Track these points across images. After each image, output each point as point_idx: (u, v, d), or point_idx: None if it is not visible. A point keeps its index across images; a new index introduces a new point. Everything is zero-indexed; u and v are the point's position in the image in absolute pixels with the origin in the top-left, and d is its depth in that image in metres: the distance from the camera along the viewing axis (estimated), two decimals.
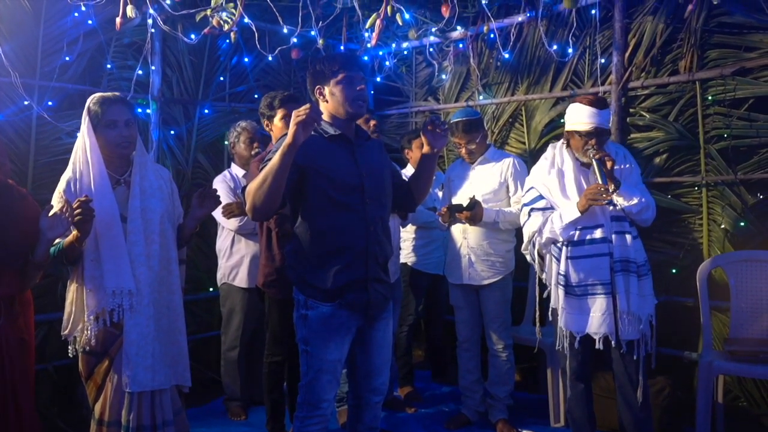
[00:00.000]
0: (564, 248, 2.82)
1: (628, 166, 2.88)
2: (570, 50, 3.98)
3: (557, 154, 2.94)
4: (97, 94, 2.44)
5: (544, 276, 3.00)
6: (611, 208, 2.76)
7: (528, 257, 3.08)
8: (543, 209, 2.91)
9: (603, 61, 3.88)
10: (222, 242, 3.65)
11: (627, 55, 3.76)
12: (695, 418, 3.06)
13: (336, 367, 2.29)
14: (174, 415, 2.48)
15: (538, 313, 3.12)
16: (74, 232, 2.27)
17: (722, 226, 3.49)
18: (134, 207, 2.38)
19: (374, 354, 2.39)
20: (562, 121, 4.11)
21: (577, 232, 2.79)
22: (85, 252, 2.33)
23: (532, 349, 3.72)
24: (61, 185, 2.39)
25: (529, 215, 2.96)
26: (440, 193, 3.96)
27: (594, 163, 2.72)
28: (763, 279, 3.21)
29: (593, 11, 3.83)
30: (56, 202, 2.37)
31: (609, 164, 2.69)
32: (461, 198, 3.39)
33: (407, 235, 4.04)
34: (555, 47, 3.98)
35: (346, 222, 2.25)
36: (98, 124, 2.37)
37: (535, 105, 4.27)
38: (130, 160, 2.48)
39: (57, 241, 2.33)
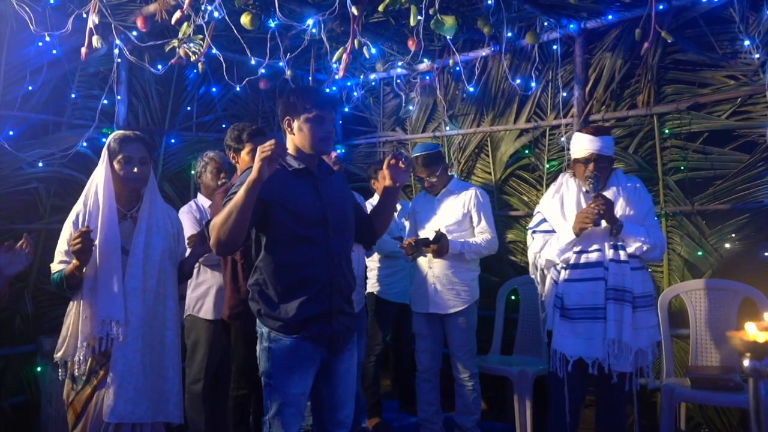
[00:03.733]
0: (562, 271, 2.86)
1: (637, 198, 2.87)
2: (533, 84, 4.09)
3: (564, 182, 3.00)
4: (119, 132, 2.59)
5: (544, 297, 3.02)
6: (602, 226, 2.75)
7: (534, 280, 3.10)
8: (544, 232, 2.96)
9: (565, 94, 3.99)
10: None
11: (588, 89, 3.88)
12: None
13: (300, 400, 2.27)
14: None
15: (543, 334, 3.11)
16: (74, 261, 2.31)
17: (681, 255, 3.59)
18: (138, 242, 2.46)
19: (338, 386, 2.37)
20: (526, 152, 4.22)
21: (574, 255, 2.82)
22: (84, 281, 2.39)
23: (500, 378, 3.74)
24: (71, 217, 2.47)
25: (533, 238, 3.00)
26: (406, 222, 3.99)
27: (592, 187, 2.78)
28: (720, 307, 3.30)
29: (555, 47, 3.95)
30: (65, 232, 2.45)
31: (601, 209, 2.70)
32: (428, 229, 3.43)
33: (373, 264, 4.05)
34: (518, 81, 4.08)
35: (310, 255, 2.25)
36: (115, 159, 2.47)
37: (500, 136, 4.35)
38: (140, 195, 2.56)
39: (60, 268, 2.40)
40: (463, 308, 3.40)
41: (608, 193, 2.84)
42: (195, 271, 3.53)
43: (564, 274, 2.84)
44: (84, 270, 2.36)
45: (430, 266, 3.45)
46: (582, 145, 2.86)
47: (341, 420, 2.39)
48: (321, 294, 2.25)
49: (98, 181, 2.47)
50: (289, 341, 2.23)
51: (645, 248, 2.76)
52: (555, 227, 2.92)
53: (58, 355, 2.42)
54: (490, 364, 3.77)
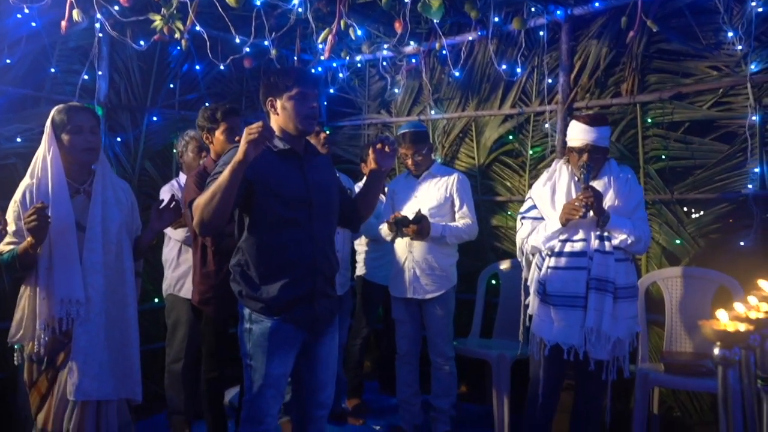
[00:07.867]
0: (547, 258, 2.87)
1: (627, 190, 2.85)
2: (518, 70, 4.09)
3: (558, 168, 2.98)
4: (62, 105, 2.46)
5: (528, 282, 3.03)
6: (589, 218, 2.75)
7: (520, 264, 3.11)
8: (533, 218, 2.96)
9: (550, 81, 4.00)
10: (168, 252, 3.58)
11: (572, 76, 3.90)
12: (631, 428, 3.17)
13: (280, 381, 2.28)
14: (121, 428, 2.44)
15: (522, 317, 3.13)
16: (29, 239, 2.24)
17: (660, 243, 3.64)
18: (94, 215, 2.40)
19: (319, 368, 2.39)
20: (510, 137, 4.24)
21: (559, 244, 2.83)
22: (39, 260, 2.32)
23: (479, 361, 3.79)
24: (18, 194, 2.38)
25: (522, 223, 3.02)
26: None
27: (582, 178, 2.78)
28: (696, 295, 3.36)
29: (541, 33, 3.95)
30: (11, 210, 2.37)
31: (589, 201, 2.69)
32: (405, 210, 3.43)
33: (361, 248, 4.05)
34: (504, 66, 4.08)
35: (294, 237, 2.25)
36: (63, 131, 2.38)
37: (485, 121, 4.36)
38: (91, 170, 2.48)
39: (11, 247, 2.32)
40: (441, 293, 3.42)
41: (599, 183, 2.83)
42: (176, 250, 3.53)
43: (548, 261, 2.86)
44: (39, 249, 2.28)
45: (410, 251, 3.45)
46: (577, 134, 2.84)
47: (322, 401, 2.42)
48: (303, 276, 2.26)
49: (45, 156, 2.37)
50: (270, 323, 2.24)
51: (630, 241, 2.76)
52: (544, 214, 2.93)
53: (14, 339, 2.37)
54: (470, 347, 3.81)
